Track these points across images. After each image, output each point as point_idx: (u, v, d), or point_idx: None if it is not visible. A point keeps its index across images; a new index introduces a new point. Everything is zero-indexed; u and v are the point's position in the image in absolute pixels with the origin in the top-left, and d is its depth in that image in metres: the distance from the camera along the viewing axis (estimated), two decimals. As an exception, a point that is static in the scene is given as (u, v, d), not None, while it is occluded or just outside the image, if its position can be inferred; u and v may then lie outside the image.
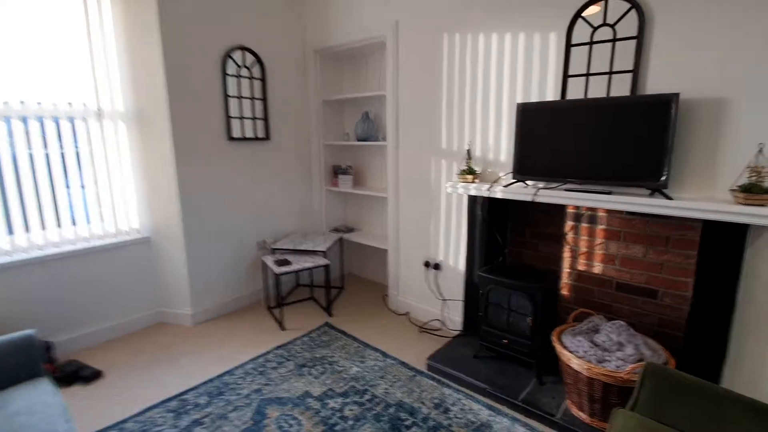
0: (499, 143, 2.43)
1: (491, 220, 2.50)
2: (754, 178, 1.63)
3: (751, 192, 1.62)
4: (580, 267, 2.41)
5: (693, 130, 1.81)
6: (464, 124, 2.56)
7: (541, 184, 2.27)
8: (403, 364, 2.42)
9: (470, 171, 2.44)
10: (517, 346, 2.21)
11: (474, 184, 2.38)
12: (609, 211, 2.26)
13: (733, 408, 1.22)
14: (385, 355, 2.51)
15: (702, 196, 1.83)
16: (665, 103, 1.77)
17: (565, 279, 2.49)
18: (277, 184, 3.39)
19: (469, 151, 2.49)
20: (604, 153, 1.97)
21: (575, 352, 1.83)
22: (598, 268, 2.35)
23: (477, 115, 2.49)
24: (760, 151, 1.63)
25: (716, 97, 1.75)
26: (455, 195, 2.69)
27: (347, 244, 3.81)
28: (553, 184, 2.17)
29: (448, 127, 2.65)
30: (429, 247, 2.90)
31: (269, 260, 2.97)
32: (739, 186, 1.67)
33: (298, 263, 2.89)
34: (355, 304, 3.30)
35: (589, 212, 2.32)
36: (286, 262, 2.88)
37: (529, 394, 2.06)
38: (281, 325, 2.90)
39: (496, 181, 2.39)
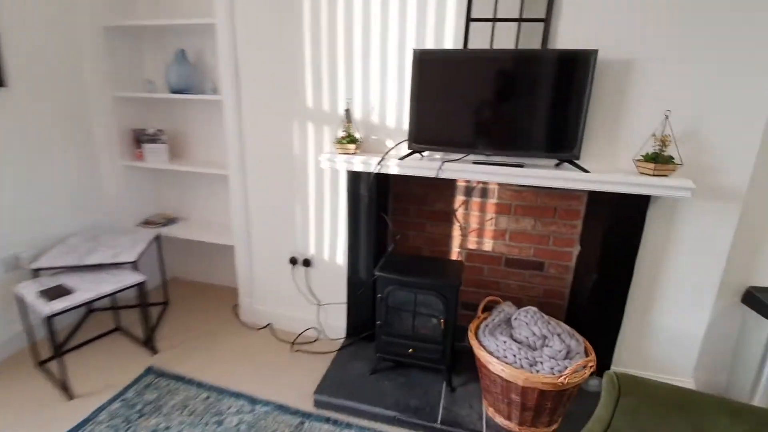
0: (385, 103, 1.89)
1: (379, 202, 1.99)
2: (658, 147, 1.57)
3: (657, 162, 1.55)
4: (471, 245, 2.18)
5: (598, 94, 1.66)
6: (338, 76, 1.91)
7: (438, 155, 1.86)
8: (282, 408, 1.76)
9: (351, 139, 1.85)
10: (426, 353, 1.83)
11: (359, 157, 1.81)
12: (502, 184, 2.05)
13: (717, 416, 1.07)
14: (252, 401, 1.79)
15: (605, 167, 1.73)
16: (583, 61, 1.54)
17: (453, 258, 2.24)
18: (29, 161, 2.06)
19: (348, 113, 1.88)
20: (514, 118, 1.67)
21: (503, 358, 1.55)
22: (488, 244, 2.15)
23: (355, 63, 1.88)
24: (667, 118, 1.57)
25: (624, 59, 1.61)
26: (330, 171, 2.06)
27: (168, 241, 2.74)
28: (455, 156, 1.79)
29: (315, 78, 1.95)
30: (295, 239, 2.22)
31: (29, 291, 1.77)
32: (644, 156, 1.60)
33: (87, 289, 1.80)
34: (189, 324, 2.38)
35: (482, 185, 2.06)
36: (61, 292, 1.75)
37: (446, 409, 1.72)
38: (66, 391, 1.80)
39: (387, 152, 1.87)
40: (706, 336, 1.82)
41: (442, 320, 1.75)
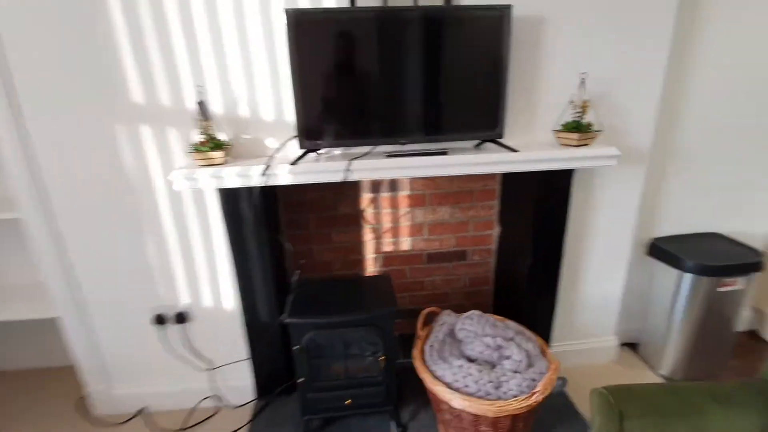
0: (254, 87, 1.38)
1: (269, 220, 1.50)
2: (578, 115, 1.43)
3: (580, 131, 1.41)
4: (387, 248, 1.87)
5: (512, 60, 1.43)
6: (176, 53, 1.32)
7: (337, 151, 1.45)
8: None
9: (216, 144, 1.31)
10: (366, 399, 1.47)
11: (231, 168, 1.29)
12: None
13: (706, 405, 0.97)
14: None
15: (525, 141, 1.55)
16: (497, 19, 1.28)
17: (371, 267, 1.90)
18: None
19: (202, 107, 1.31)
20: (428, 94, 1.34)
21: (464, 388, 1.28)
22: (406, 243, 1.87)
23: (198, 30, 1.31)
24: (583, 81, 1.43)
25: (534, 15, 1.40)
26: (189, 192, 1.47)
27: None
28: (360, 150, 1.41)
29: (139, 59, 1.31)
30: (156, 290, 1.59)
31: None
32: (564, 125, 1.45)
33: None
34: (9, 447, 1.58)
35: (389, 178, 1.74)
36: None
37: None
38: None
39: (272, 157, 1.38)
40: (624, 293, 1.86)
41: (381, 357, 1.40)
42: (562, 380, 1.64)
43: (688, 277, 1.69)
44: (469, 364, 1.33)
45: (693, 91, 1.66)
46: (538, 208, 1.56)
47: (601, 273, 1.81)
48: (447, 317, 1.56)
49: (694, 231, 1.90)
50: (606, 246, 1.76)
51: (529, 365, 1.34)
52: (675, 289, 1.75)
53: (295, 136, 1.33)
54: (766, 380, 1.04)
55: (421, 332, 1.53)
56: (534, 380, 1.28)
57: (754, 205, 1.89)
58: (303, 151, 1.36)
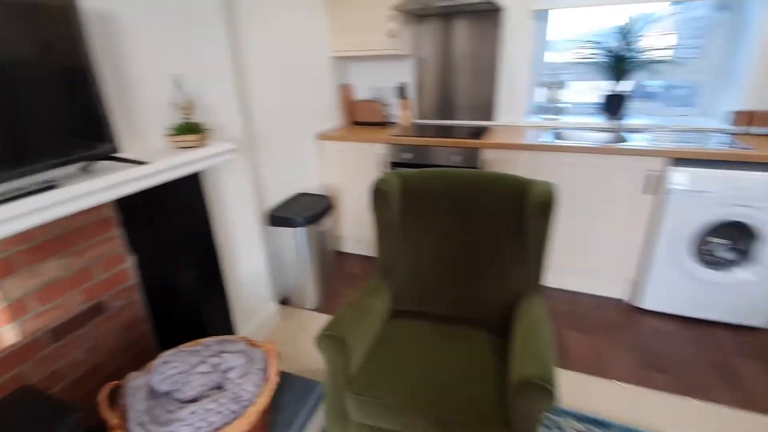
0: None
1: None
2: (185, 116, 1.44)
3: (196, 132, 1.44)
4: (-27, 358, 1.20)
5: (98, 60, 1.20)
6: None
7: None
8: None
9: None
10: None
11: None
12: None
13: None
14: None
15: (136, 152, 1.37)
16: (61, 11, 1.02)
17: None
18: None
19: None
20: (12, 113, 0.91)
21: (211, 427, 1.15)
22: (10, 334, 1.27)
23: None
24: (177, 83, 1.41)
25: (106, 11, 1.20)
26: None
27: None
28: None
29: None
30: None
31: None
32: (176, 128, 1.42)
33: None
34: None
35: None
36: None
37: None
38: None
39: None
40: (267, 263, 2.17)
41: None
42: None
43: (301, 230, 2.20)
44: (199, 403, 1.19)
45: (254, 84, 2.03)
46: (178, 217, 1.49)
47: (247, 254, 2.00)
48: (135, 381, 1.26)
49: (287, 197, 2.43)
50: (243, 229, 1.94)
51: (251, 361, 1.37)
52: (296, 242, 2.22)
53: None
54: (373, 281, 1.62)
55: (114, 420, 1.16)
56: (262, 369, 1.34)
57: (294, 167, 2.64)
58: None
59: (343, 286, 2.57)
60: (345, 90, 2.98)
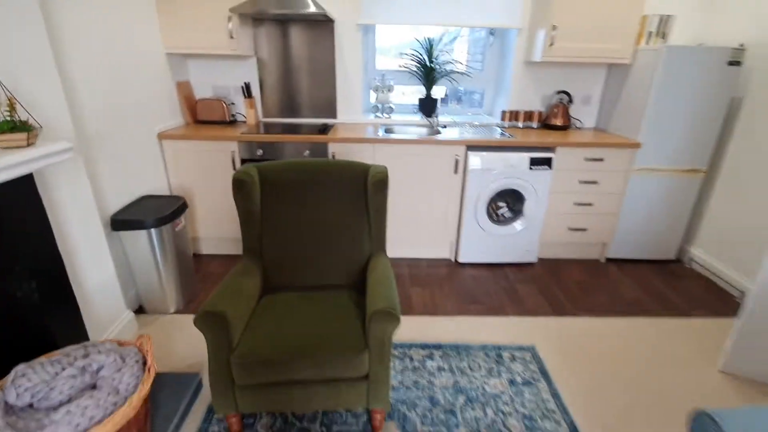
0: None
1: None
2: (7, 114, 1.33)
3: (25, 130, 1.34)
4: None
5: None
6: None
7: None
8: None
9: None
10: None
11: None
12: None
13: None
14: None
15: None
16: None
17: None
18: None
19: None
20: None
21: (95, 423, 1.16)
22: None
23: None
24: (-4, 78, 1.28)
25: None
26: None
27: None
28: None
29: None
30: None
31: None
32: (-3, 126, 1.30)
33: None
34: None
35: None
36: None
37: None
38: None
39: None
40: (117, 270, 2.04)
41: None
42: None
43: (154, 231, 2.14)
44: (73, 403, 1.17)
45: (82, 79, 1.88)
46: (8, 225, 1.36)
47: (93, 261, 1.87)
48: (-20, 403, 1.15)
49: (130, 200, 2.29)
50: (85, 236, 1.81)
51: (123, 357, 1.37)
52: (150, 244, 2.15)
53: None
54: (242, 263, 1.77)
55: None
56: (138, 361, 1.37)
57: (135, 168, 2.52)
58: None
59: (205, 288, 2.56)
60: (184, 88, 2.91)
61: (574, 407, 1.73)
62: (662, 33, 2.68)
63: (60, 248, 1.62)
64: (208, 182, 2.71)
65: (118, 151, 2.19)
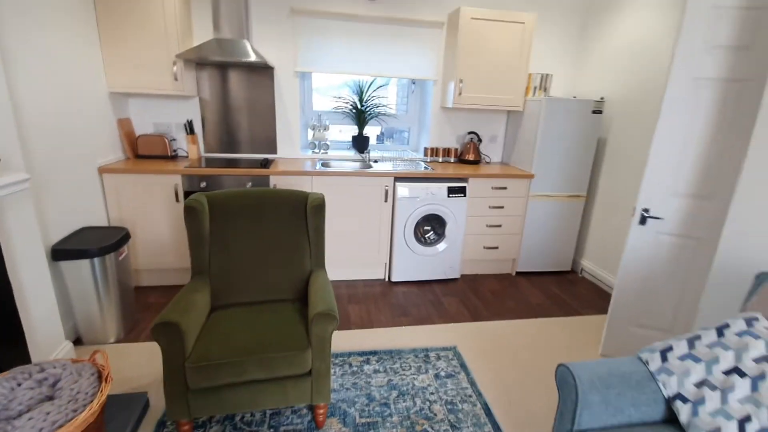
0: None
1: None
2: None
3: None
4: None
5: None
6: None
7: None
8: None
9: None
10: None
11: None
12: None
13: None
14: None
15: None
16: None
17: None
18: None
19: None
20: None
21: None
22: None
23: None
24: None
25: None
26: None
27: None
28: None
29: None
30: None
31: None
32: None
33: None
34: None
35: None
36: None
37: None
38: None
39: None
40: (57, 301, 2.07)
41: None
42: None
43: (97, 261, 2.20)
44: (36, 410, 1.26)
45: (25, 113, 1.98)
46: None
47: (37, 291, 1.90)
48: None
49: (71, 231, 2.34)
50: (31, 265, 1.86)
51: (79, 371, 1.47)
52: (92, 273, 2.20)
53: None
54: (192, 282, 1.93)
55: None
56: (94, 374, 1.47)
57: (76, 200, 2.58)
58: None
59: (145, 318, 2.60)
60: (125, 124, 3.02)
61: (487, 390, 2.06)
62: (544, 87, 3.36)
63: (8, 277, 1.67)
64: (148, 214, 2.80)
65: (59, 183, 2.25)
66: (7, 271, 1.61)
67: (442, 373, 2.18)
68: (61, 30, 2.28)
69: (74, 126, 2.40)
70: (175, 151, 3.18)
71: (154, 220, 2.82)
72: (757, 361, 1.25)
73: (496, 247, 3.37)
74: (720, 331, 1.34)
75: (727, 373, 1.25)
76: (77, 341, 2.30)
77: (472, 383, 2.11)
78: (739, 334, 1.30)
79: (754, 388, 1.21)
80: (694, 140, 1.95)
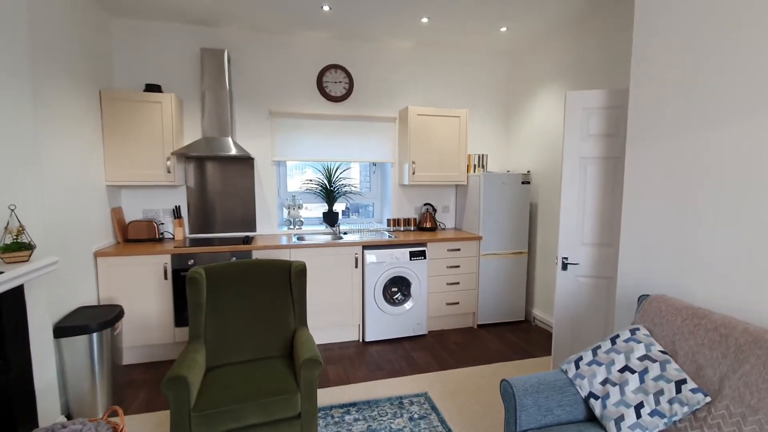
0: None
1: None
2: (14, 236, 1.76)
3: (23, 249, 1.77)
4: None
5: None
6: None
7: None
8: None
9: None
10: None
11: None
12: None
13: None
14: None
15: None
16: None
17: None
18: None
19: None
20: None
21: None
22: None
23: None
24: (13, 211, 1.74)
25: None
26: None
27: None
28: None
29: None
30: None
31: None
32: (4, 246, 1.72)
33: None
34: None
35: None
36: None
37: None
38: None
39: None
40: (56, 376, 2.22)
41: None
42: None
43: (95, 336, 2.41)
44: (62, 460, 1.46)
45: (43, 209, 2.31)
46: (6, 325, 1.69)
47: (42, 366, 2.08)
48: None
49: (69, 310, 2.54)
50: (40, 340, 2.06)
51: (96, 428, 1.67)
52: (89, 349, 2.39)
53: None
54: (190, 345, 2.19)
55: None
56: (107, 428, 1.67)
57: (73, 282, 2.81)
58: None
59: (131, 393, 2.73)
60: (117, 212, 3.35)
61: (456, 426, 2.34)
62: (482, 164, 4.06)
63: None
64: (136, 293, 3.03)
65: (61, 266, 2.51)
66: (30, 347, 1.83)
67: (416, 416, 2.44)
68: (74, 136, 2.71)
69: (76, 215, 2.72)
70: (161, 234, 3.50)
71: (142, 298, 3.04)
72: (640, 359, 1.68)
73: (457, 303, 3.78)
74: (613, 340, 1.78)
75: (621, 371, 1.67)
76: (68, 417, 2.40)
77: (442, 421, 2.38)
78: (627, 341, 1.75)
79: (642, 380, 1.63)
80: (589, 202, 2.57)
